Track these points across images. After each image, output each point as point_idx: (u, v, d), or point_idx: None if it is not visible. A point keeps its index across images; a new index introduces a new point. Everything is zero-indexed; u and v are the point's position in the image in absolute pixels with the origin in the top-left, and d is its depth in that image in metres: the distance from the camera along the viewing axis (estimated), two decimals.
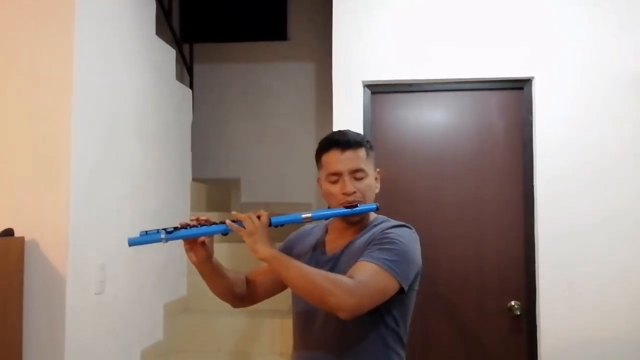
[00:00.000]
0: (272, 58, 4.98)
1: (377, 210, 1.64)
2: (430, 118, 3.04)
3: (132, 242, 1.58)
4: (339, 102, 2.97)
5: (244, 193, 4.88)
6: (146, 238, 1.57)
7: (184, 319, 3.44)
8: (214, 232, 1.58)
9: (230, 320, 3.39)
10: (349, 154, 1.63)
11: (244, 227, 1.51)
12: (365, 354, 1.59)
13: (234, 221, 1.54)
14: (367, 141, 1.69)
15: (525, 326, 2.88)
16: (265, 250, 1.49)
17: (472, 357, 2.91)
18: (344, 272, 1.52)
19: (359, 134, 1.71)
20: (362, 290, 1.44)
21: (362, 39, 3.00)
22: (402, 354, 1.65)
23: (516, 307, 2.88)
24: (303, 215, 1.58)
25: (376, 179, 1.70)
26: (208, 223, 1.58)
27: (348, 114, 2.96)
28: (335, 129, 2.93)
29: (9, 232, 2.28)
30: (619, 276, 2.78)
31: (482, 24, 2.95)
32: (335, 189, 1.63)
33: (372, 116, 2.99)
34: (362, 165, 1.64)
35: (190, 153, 3.95)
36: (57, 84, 2.36)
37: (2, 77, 2.40)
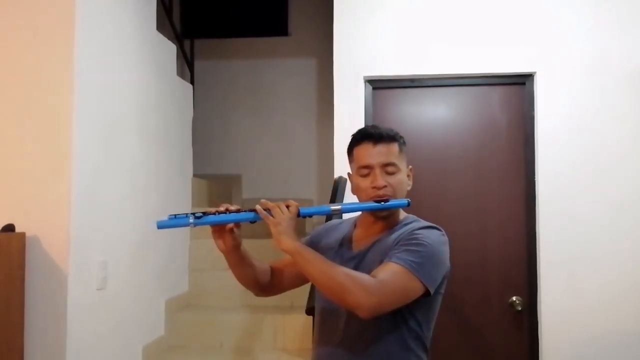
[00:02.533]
0: (273, 54, 4.97)
1: (408, 206, 1.59)
2: (432, 114, 3.04)
3: (161, 225, 1.56)
4: (340, 97, 2.97)
5: (245, 189, 4.88)
6: (175, 222, 1.55)
7: (185, 315, 3.45)
8: (242, 219, 1.56)
9: (232, 317, 3.40)
10: (381, 147, 1.60)
11: (273, 216, 1.50)
12: (385, 355, 1.56)
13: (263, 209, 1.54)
14: (401, 136, 1.66)
15: (526, 321, 2.88)
16: (289, 242, 1.47)
17: (474, 353, 2.91)
18: (368, 270, 1.50)
19: (393, 129, 1.66)
20: (382, 290, 1.42)
21: (363, 34, 2.99)
22: (424, 357, 1.61)
23: (518, 302, 2.87)
24: (332, 207, 1.58)
25: (408, 175, 1.66)
26: (237, 212, 1.57)
27: (349, 109, 2.95)
28: (336, 124, 2.94)
29: (10, 228, 2.28)
30: (620, 271, 2.78)
31: (484, 19, 2.94)
32: (366, 182, 1.60)
33: (373, 112, 2.99)
34: (394, 160, 1.60)
35: (191, 149, 3.95)
36: (58, 80, 2.35)
37: (3, 74, 2.40)
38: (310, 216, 1.60)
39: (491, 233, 2.93)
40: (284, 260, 1.77)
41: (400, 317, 1.54)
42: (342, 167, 2.90)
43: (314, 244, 1.71)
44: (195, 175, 3.98)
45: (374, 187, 1.58)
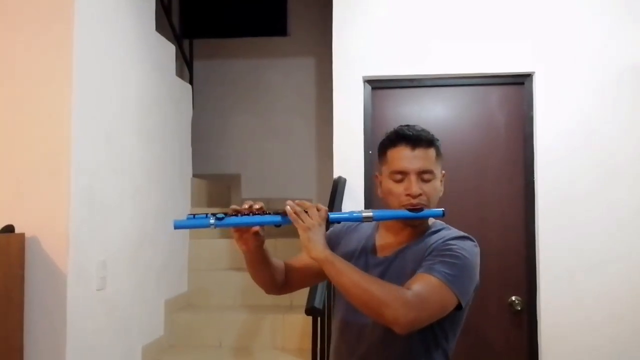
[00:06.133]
0: (272, 53, 4.97)
1: (443, 216, 1.49)
2: (431, 113, 3.04)
3: (178, 225, 1.47)
4: (339, 97, 2.97)
5: (244, 189, 4.88)
6: (194, 222, 1.46)
7: (184, 315, 3.45)
8: (267, 222, 1.46)
9: (231, 316, 3.40)
10: (419, 152, 1.50)
11: (302, 220, 1.41)
12: None
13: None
14: (437, 139, 1.55)
15: (526, 321, 2.88)
16: (320, 250, 1.39)
17: (473, 352, 2.91)
18: (396, 277, 1.45)
19: (429, 132, 1.55)
20: (421, 305, 1.34)
21: (362, 34, 2.99)
22: None
23: (517, 302, 2.88)
24: (363, 214, 1.48)
25: (441, 181, 1.56)
26: (261, 212, 1.46)
27: (348, 109, 2.95)
28: (335, 124, 2.94)
29: (9, 229, 2.28)
30: (619, 270, 2.78)
31: (482, 18, 2.94)
32: (399, 188, 1.49)
33: (372, 112, 2.99)
34: (431, 167, 1.50)
35: (191, 149, 3.95)
36: (58, 80, 2.36)
37: (2, 75, 2.40)
38: (339, 222, 1.51)
39: (490, 233, 2.93)
40: (299, 259, 1.69)
41: (430, 332, 1.47)
42: (341, 166, 2.91)
43: (332, 244, 1.60)
44: (194, 175, 3.98)
45: (408, 195, 1.48)
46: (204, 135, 4.62)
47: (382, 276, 1.48)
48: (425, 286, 1.37)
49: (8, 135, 2.38)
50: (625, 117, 2.83)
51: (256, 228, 1.48)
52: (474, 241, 1.52)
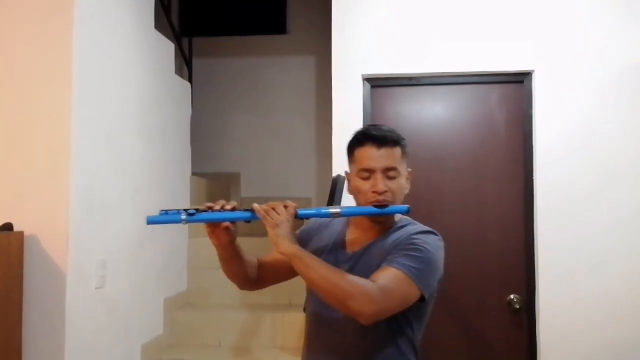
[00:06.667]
0: (272, 52, 4.96)
1: (407, 212, 1.58)
2: (431, 112, 3.04)
3: (151, 221, 1.52)
4: (339, 96, 2.96)
5: (243, 187, 4.88)
6: (166, 218, 1.51)
7: (184, 314, 3.45)
8: (236, 218, 1.53)
9: (231, 315, 3.40)
10: (384, 151, 1.57)
11: (270, 217, 1.48)
12: None
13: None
14: (403, 138, 1.63)
15: (524, 319, 2.88)
16: (288, 245, 1.45)
17: (471, 351, 2.92)
18: (364, 272, 1.49)
19: (396, 131, 1.63)
20: (384, 297, 1.41)
21: (362, 32, 2.99)
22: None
23: (515, 300, 2.88)
24: (331, 211, 1.56)
25: (407, 179, 1.64)
26: (232, 210, 1.53)
27: (348, 107, 2.95)
28: (334, 123, 2.93)
29: (8, 227, 2.28)
30: (619, 270, 2.78)
31: (482, 16, 2.94)
32: (366, 186, 1.57)
33: (371, 110, 2.98)
34: (396, 164, 1.58)
35: (190, 147, 3.95)
36: (57, 78, 2.35)
37: (2, 74, 2.39)
38: (308, 218, 1.58)
39: (489, 231, 2.93)
40: (270, 255, 1.74)
41: (395, 322, 1.53)
42: (340, 165, 2.89)
43: (304, 240, 1.68)
44: (193, 174, 3.97)
45: (374, 192, 1.56)
46: (204, 133, 4.61)
47: (350, 271, 1.53)
48: (389, 279, 1.44)
49: (8, 135, 2.37)
50: (625, 117, 2.83)
51: (227, 224, 1.55)
52: (438, 235, 1.60)
